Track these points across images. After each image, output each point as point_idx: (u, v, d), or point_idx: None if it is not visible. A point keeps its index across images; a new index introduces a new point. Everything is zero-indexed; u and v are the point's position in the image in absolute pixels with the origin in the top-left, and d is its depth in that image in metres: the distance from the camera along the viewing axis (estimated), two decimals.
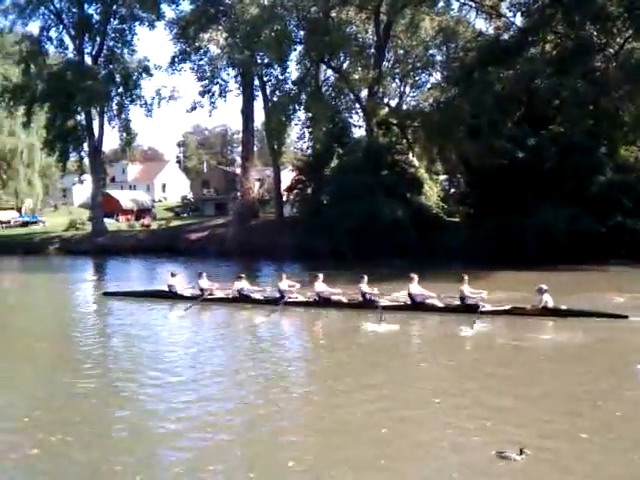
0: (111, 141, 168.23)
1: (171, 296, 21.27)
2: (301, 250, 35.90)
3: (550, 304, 16.81)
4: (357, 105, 42.78)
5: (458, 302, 17.72)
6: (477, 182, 34.61)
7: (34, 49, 50.26)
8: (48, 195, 77.33)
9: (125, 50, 51.10)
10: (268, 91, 44.71)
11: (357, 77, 42.12)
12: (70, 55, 52.05)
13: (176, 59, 45.12)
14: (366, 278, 18.97)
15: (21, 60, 51.23)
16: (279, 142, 45.63)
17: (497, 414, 9.82)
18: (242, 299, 20.18)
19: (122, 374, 12.94)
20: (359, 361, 13.61)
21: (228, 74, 45.13)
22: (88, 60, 51.07)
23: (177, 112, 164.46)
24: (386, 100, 45.06)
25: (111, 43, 51.08)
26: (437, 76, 44.46)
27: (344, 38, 38.05)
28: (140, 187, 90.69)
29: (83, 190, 75.52)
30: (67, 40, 51.58)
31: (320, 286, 19.43)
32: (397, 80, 46.47)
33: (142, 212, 73.23)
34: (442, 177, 47.94)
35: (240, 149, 62.00)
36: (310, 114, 41.30)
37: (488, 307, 17.20)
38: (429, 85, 44.84)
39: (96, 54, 50.92)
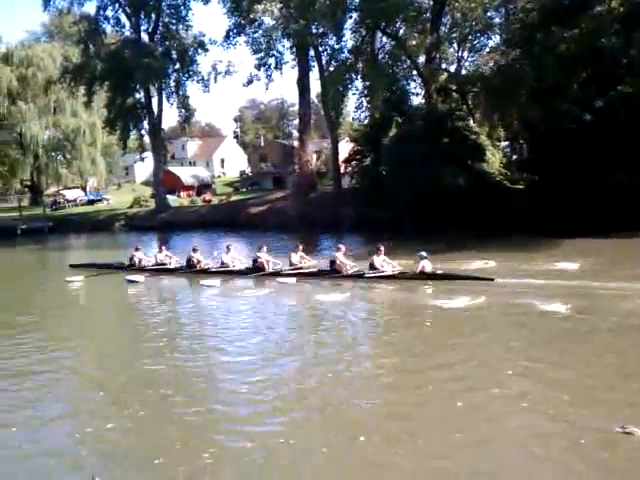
0: (170, 118, 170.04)
1: (134, 268, 23.76)
2: (361, 222, 35.68)
3: (427, 269, 18.73)
4: (415, 72, 41.85)
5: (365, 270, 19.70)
6: (542, 147, 33.42)
7: (92, 29, 51.00)
8: (111, 173, 78.93)
9: (180, 26, 51.43)
10: (324, 61, 44.22)
11: (414, 43, 41.14)
12: (127, 33, 52.71)
13: (231, 33, 45.12)
14: (301, 247, 21.90)
15: (80, 41, 52.18)
16: (336, 113, 45.18)
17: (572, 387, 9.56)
18: (190, 269, 22.74)
19: (190, 352, 13.12)
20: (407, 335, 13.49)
21: (283, 45, 44.89)
22: (145, 37, 51.66)
23: (233, 87, 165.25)
24: (444, 66, 43.97)
25: (166, 19, 51.41)
26: (496, 39, 43.04)
27: (400, 4, 36.99)
28: (199, 163, 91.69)
29: (145, 167, 76.93)
30: (123, 18, 52.23)
31: (264, 256, 21.54)
32: (455, 45, 45.21)
33: (202, 188, 74.16)
34: (504, 143, 46.67)
35: (297, 122, 61.74)
36: (367, 83, 40.68)
37: (373, 274, 19.27)
38: (488, 49, 43.44)
39: (152, 31, 51.36)
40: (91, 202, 69.30)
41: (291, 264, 21.14)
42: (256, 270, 21.35)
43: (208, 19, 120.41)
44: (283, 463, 7.70)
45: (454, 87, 40.05)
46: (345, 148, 48.20)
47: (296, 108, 57.24)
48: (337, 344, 12.93)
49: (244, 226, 42.66)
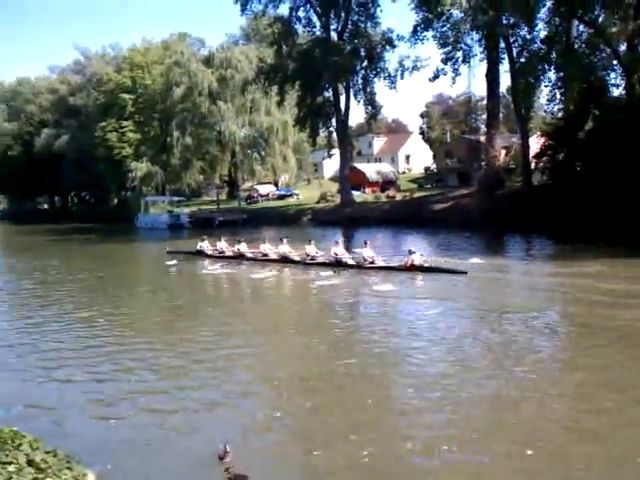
0: (357, 115, 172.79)
1: (203, 254, 29.26)
2: (552, 222, 33.62)
3: (416, 262, 21.22)
4: (615, 61, 38.84)
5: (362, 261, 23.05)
6: None
7: (285, 30, 53.13)
8: (301, 170, 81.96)
9: (369, 23, 51.95)
10: (514, 52, 42.57)
11: (615, 30, 38.16)
12: (317, 33, 54.23)
13: (418, 28, 44.63)
14: (312, 242, 25.69)
15: (274, 42, 54.73)
16: (527, 106, 43.23)
17: None
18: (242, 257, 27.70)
19: (369, 350, 13.09)
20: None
21: (472, 38, 43.77)
22: (334, 36, 52.88)
23: (420, 82, 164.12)
24: None
25: (355, 18, 52.24)
26: None
27: None
28: (385, 159, 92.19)
29: (332, 164, 78.84)
30: (314, 18, 53.85)
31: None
32: None
33: (387, 184, 74.47)
34: None
35: (485, 116, 59.83)
36: (561, 74, 38.51)
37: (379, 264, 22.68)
38: None
39: (341, 30, 52.51)
40: (282, 197, 72.62)
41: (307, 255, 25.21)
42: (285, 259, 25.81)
43: (393, 14, 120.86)
44: (439, 471, 7.39)
45: None
46: (536, 143, 45.93)
47: (484, 102, 55.41)
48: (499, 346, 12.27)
49: (426, 223, 42.15)
